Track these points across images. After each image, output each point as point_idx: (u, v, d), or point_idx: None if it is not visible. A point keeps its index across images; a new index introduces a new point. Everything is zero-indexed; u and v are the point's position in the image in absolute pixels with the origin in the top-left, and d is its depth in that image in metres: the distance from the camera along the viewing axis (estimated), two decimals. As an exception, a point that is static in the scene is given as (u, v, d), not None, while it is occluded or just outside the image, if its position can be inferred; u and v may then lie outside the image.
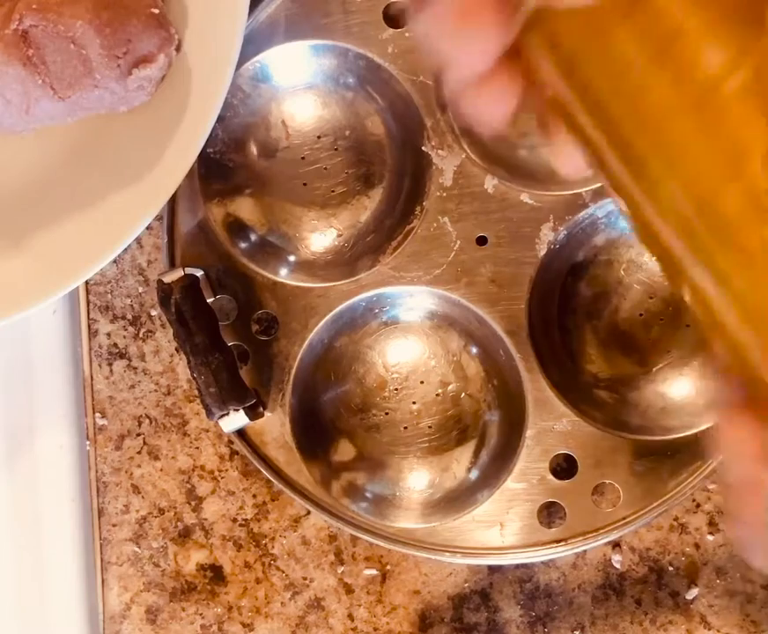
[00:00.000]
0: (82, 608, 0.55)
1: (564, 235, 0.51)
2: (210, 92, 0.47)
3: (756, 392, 0.24)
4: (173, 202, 0.51)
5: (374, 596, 0.54)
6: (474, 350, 0.53)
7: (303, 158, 0.53)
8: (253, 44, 0.50)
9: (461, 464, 0.53)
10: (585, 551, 0.53)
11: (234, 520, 0.55)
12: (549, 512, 0.51)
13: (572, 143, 0.26)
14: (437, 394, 0.53)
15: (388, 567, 0.54)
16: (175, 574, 0.55)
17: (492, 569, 0.54)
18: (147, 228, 0.49)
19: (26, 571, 0.55)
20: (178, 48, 0.47)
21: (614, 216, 0.51)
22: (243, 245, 0.52)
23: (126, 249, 0.54)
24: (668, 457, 0.50)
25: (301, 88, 0.53)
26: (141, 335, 0.55)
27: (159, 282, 0.50)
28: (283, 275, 0.52)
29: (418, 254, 0.51)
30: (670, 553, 0.53)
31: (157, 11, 0.45)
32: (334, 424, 0.53)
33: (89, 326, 0.56)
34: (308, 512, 0.54)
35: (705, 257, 0.23)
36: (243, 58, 0.49)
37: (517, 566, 0.54)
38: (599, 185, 0.50)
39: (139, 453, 0.55)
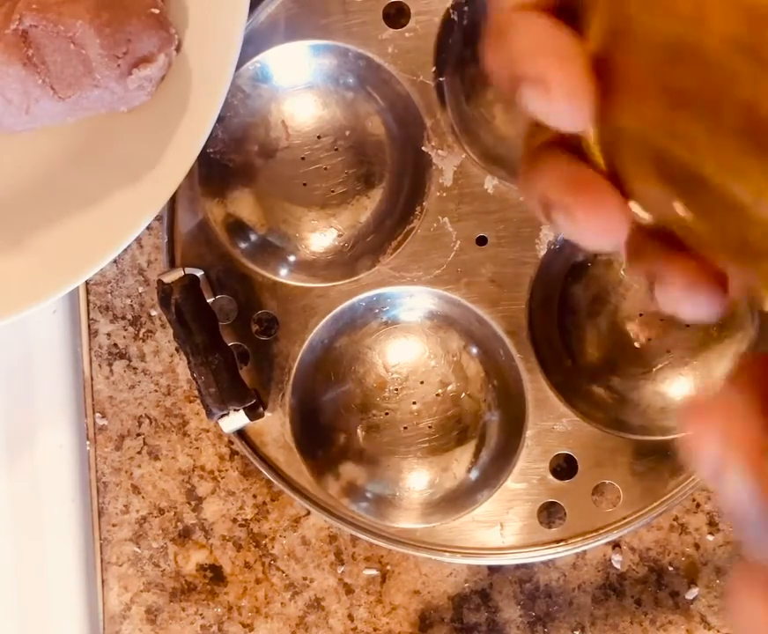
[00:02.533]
0: (82, 608, 0.55)
1: (565, 235, 0.51)
2: (210, 92, 0.47)
3: None
4: (173, 202, 0.51)
5: (374, 596, 0.54)
6: (474, 350, 0.53)
7: (303, 158, 0.53)
8: (253, 44, 0.50)
9: (461, 464, 0.53)
10: (585, 551, 0.53)
11: (234, 520, 0.55)
12: (549, 512, 0.51)
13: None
14: (437, 395, 0.53)
15: (388, 567, 0.54)
16: (175, 574, 0.55)
17: (492, 569, 0.54)
18: (147, 228, 0.49)
19: (26, 572, 0.55)
20: (178, 48, 0.47)
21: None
22: (243, 245, 0.52)
23: (126, 249, 0.54)
24: (668, 457, 0.50)
25: (301, 88, 0.53)
26: (141, 336, 0.55)
27: (159, 282, 0.50)
28: (283, 275, 0.52)
29: (418, 254, 0.51)
30: (670, 553, 0.53)
31: (157, 11, 0.45)
32: (334, 425, 0.53)
33: (89, 326, 0.56)
34: (308, 513, 0.54)
35: None
36: (243, 58, 0.49)
37: (517, 566, 0.54)
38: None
39: (139, 453, 0.55)
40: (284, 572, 0.55)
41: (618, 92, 0.22)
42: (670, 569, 0.53)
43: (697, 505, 0.53)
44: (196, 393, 0.50)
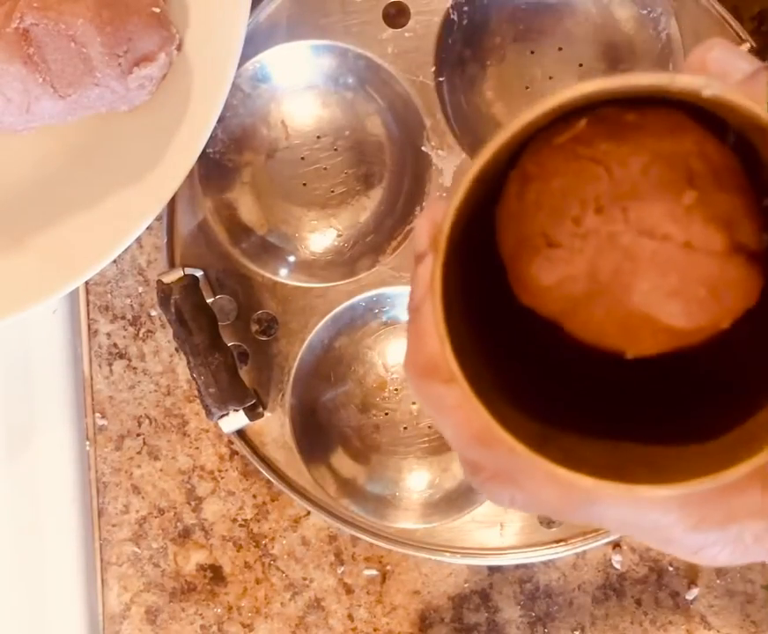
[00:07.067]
0: (82, 608, 0.55)
1: (564, 235, 0.51)
2: (211, 91, 0.47)
3: None
4: (172, 202, 0.51)
5: (374, 596, 0.54)
6: (474, 350, 0.53)
7: (303, 158, 0.53)
8: (253, 44, 0.50)
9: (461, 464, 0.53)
10: (585, 551, 0.53)
11: (234, 521, 0.55)
12: (549, 512, 0.51)
13: None
14: (437, 394, 0.53)
15: (388, 567, 0.54)
16: (175, 574, 0.55)
17: (492, 569, 0.54)
18: (147, 228, 0.49)
19: (26, 572, 0.55)
20: (179, 48, 0.47)
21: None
22: (243, 245, 0.52)
23: (126, 249, 0.54)
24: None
25: (301, 88, 0.53)
26: (141, 335, 0.55)
27: (159, 282, 0.50)
28: (282, 275, 0.52)
29: (418, 254, 0.51)
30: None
31: (158, 9, 0.45)
32: (334, 425, 0.53)
33: (89, 326, 0.56)
34: (308, 513, 0.54)
35: None
36: (243, 58, 0.49)
37: (517, 566, 0.53)
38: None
39: (139, 453, 0.55)
40: (283, 572, 0.55)
41: None
42: (670, 569, 0.53)
43: (697, 505, 0.53)
44: (196, 393, 0.50)
